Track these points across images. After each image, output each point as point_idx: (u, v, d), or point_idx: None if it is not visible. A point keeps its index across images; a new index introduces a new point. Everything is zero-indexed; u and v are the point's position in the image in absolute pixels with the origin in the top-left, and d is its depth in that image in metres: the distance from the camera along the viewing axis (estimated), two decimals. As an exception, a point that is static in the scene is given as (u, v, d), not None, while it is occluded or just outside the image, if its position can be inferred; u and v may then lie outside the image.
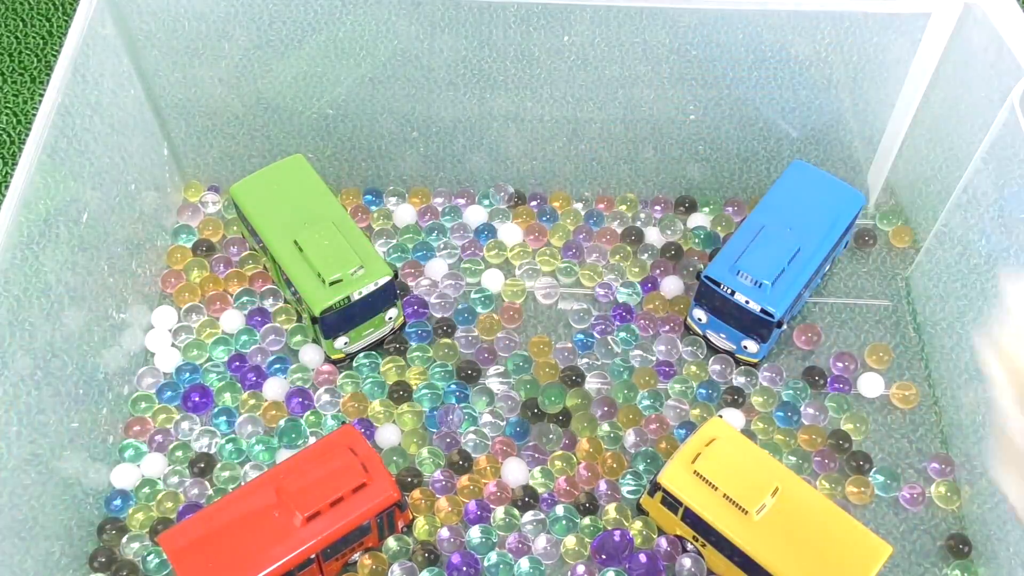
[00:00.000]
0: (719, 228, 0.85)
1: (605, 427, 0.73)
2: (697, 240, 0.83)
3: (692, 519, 0.64)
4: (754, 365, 0.76)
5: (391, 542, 0.67)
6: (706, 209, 0.86)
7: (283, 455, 0.72)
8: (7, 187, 0.64)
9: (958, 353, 0.73)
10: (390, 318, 0.76)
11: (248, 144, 0.84)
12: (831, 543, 0.62)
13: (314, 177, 0.77)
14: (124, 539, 0.68)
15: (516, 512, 0.69)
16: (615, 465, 0.71)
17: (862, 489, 0.71)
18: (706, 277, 0.72)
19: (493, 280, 0.81)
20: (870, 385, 0.76)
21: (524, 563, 0.67)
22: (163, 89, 0.79)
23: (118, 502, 0.70)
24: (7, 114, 0.94)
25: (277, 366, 0.76)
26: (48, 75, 0.96)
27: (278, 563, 0.60)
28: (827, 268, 0.79)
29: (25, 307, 0.61)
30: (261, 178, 0.77)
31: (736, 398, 0.75)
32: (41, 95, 0.95)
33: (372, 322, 0.74)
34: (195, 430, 0.73)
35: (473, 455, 0.72)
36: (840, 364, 0.77)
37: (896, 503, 0.71)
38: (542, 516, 0.69)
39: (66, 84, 0.66)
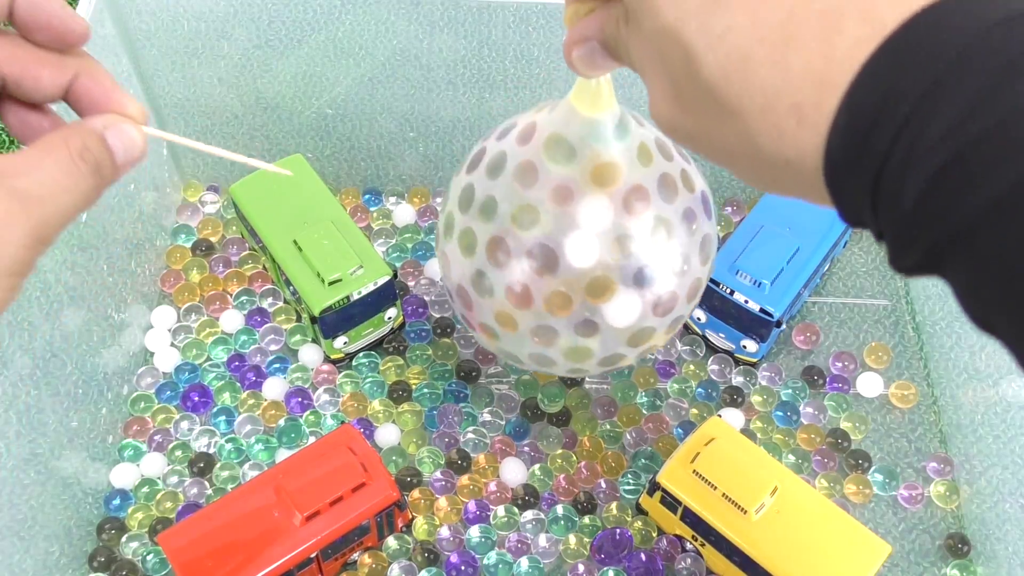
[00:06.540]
0: (718, 228, 0.85)
1: (605, 426, 0.73)
2: (696, 240, 0.83)
3: (691, 518, 0.64)
4: (753, 365, 0.76)
5: (390, 541, 0.67)
6: (705, 209, 0.86)
7: (282, 455, 0.72)
8: (6, 187, 0.64)
9: (957, 352, 0.73)
10: (389, 318, 0.76)
11: (247, 144, 0.84)
12: (830, 542, 0.62)
13: (313, 177, 0.77)
14: (123, 539, 0.68)
15: (516, 511, 0.69)
16: (614, 464, 0.71)
17: (861, 488, 0.71)
18: (705, 277, 0.72)
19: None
20: (869, 384, 0.76)
21: (524, 562, 0.67)
22: (162, 89, 0.79)
23: (117, 502, 0.70)
24: (6, 114, 0.94)
25: (276, 366, 0.76)
26: (47, 75, 0.96)
27: (277, 563, 0.60)
28: (826, 267, 0.79)
29: (24, 307, 0.61)
30: (260, 178, 0.77)
31: (735, 397, 0.75)
32: (40, 95, 0.94)
33: (371, 322, 0.74)
34: (194, 430, 0.73)
35: (472, 455, 0.72)
36: (839, 363, 0.77)
37: (895, 502, 0.71)
38: (542, 516, 0.69)
39: (65, 84, 0.66)
